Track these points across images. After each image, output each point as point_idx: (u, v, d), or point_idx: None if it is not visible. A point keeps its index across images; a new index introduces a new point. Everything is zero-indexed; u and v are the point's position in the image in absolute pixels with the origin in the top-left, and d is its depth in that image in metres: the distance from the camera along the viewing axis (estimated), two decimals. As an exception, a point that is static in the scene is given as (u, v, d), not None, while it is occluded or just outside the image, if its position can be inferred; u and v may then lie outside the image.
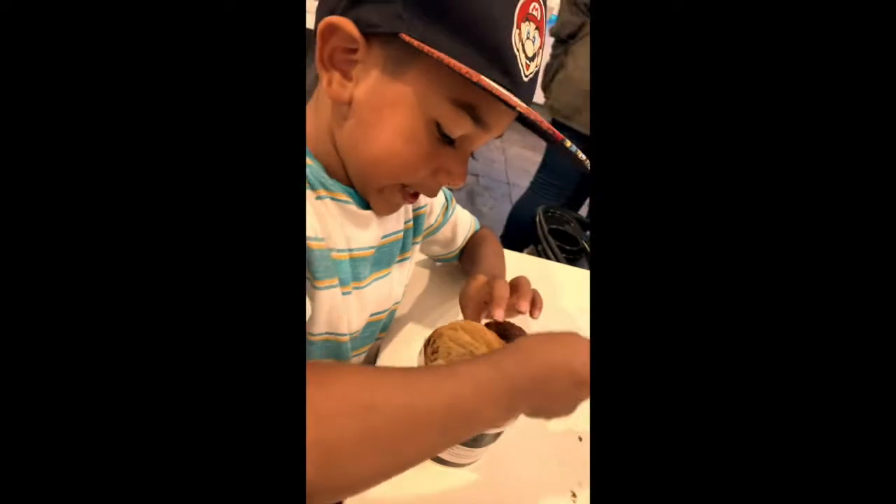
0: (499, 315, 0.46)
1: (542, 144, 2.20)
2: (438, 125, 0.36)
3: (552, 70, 1.48)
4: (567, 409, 0.35)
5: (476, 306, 0.51)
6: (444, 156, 0.39)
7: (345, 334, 0.46)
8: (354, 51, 0.35)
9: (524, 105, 0.34)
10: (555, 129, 0.35)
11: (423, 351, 0.43)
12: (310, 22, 0.35)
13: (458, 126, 0.36)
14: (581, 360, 0.34)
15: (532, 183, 1.65)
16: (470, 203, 2.36)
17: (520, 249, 1.18)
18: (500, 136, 0.40)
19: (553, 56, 1.51)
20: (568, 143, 0.36)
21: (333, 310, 0.43)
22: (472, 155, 0.41)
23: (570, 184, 1.54)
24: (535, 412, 0.35)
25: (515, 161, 2.89)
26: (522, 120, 0.38)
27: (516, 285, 0.51)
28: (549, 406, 0.35)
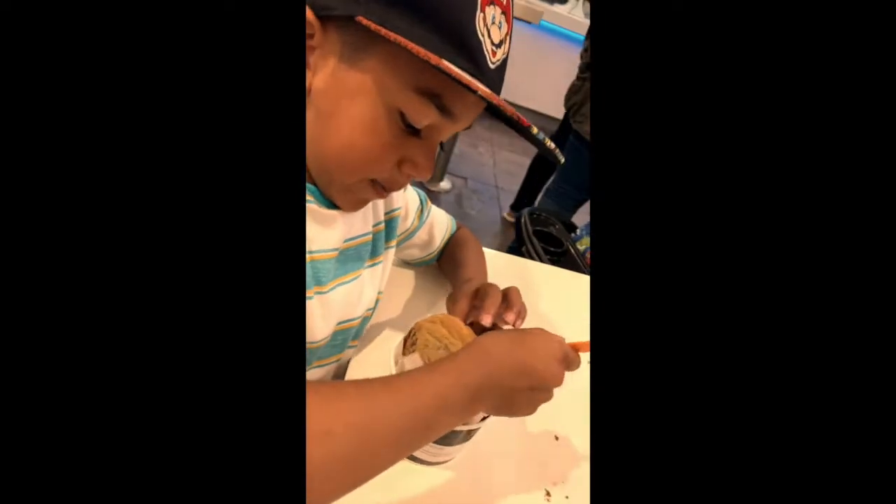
0: (486, 321, 0.46)
1: (531, 149, 2.19)
2: (402, 115, 0.35)
3: (580, 91, 1.50)
4: (526, 408, 0.36)
5: (463, 310, 0.51)
6: (408, 146, 0.37)
7: (311, 342, 0.45)
8: (311, 37, 0.33)
9: (487, 90, 0.31)
10: (521, 116, 0.33)
11: (401, 343, 0.43)
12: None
13: (423, 115, 0.34)
14: (540, 359, 0.34)
15: (546, 189, 1.68)
16: (458, 206, 2.36)
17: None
18: (468, 127, 0.39)
19: (581, 78, 1.54)
20: (535, 130, 0.35)
21: None
22: (441, 147, 0.40)
23: (582, 192, 1.57)
24: (495, 411, 0.35)
25: (504, 165, 2.90)
26: (493, 111, 0.37)
27: (507, 296, 0.51)
28: (508, 406, 0.35)
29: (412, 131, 0.36)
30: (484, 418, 0.41)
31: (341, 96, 0.35)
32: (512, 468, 0.49)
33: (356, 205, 0.44)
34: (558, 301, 0.75)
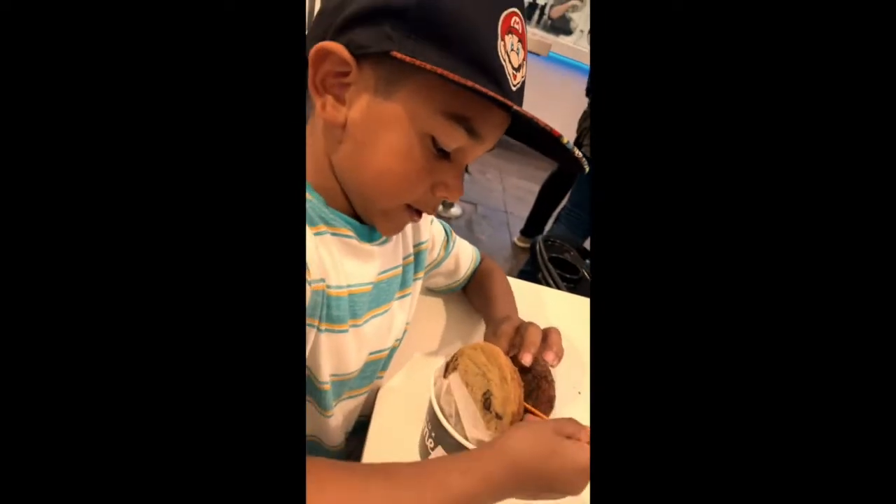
0: (526, 360, 0.47)
1: (540, 175, 2.20)
2: (433, 140, 0.37)
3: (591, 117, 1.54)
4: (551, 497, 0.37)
5: (504, 348, 0.51)
6: (440, 170, 0.39)
7: (345, 374, 0.46)
8: (346, 73, 0.36)
9: (516, 106, 0.35)
10: (552, 127, 0.36)
11: (443, 366, 0.45)
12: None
13: (453, 139, 0.37)
14: (567, 472, 0.35)
15: (558, 215, 1.70)
16: (469, 231, 2.37)
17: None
18: (491, 150, 0.41)
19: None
20: (565, 140, 0.36)
21: (333, 350, 0.43)
22: (466, 169, 0.42)
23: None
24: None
25: (513, 191, 2.93)
26: (514, 132, 0.40)
27: (547, 336, 0.51)
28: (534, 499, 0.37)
29: (442, 155, 0.38)
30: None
31: (377, 127, 0.37)
32: None
33: (395, 230, 0.46)
34: (577, 327, 0.75)
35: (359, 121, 0.37)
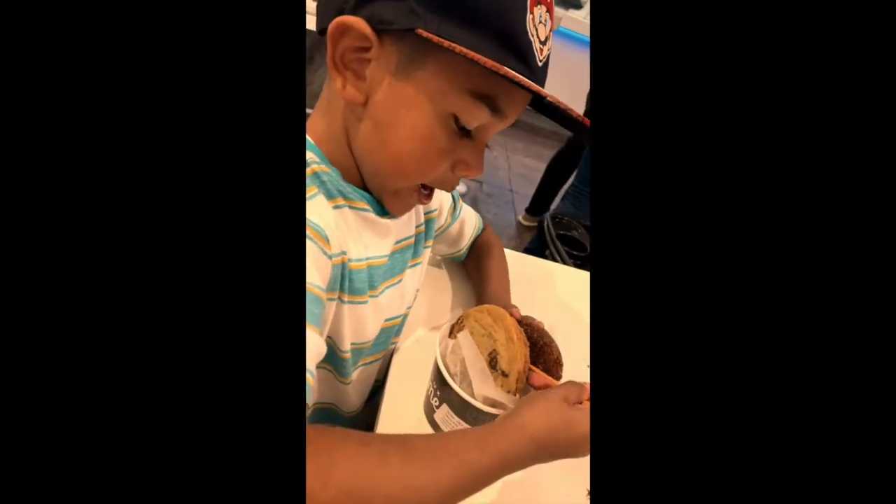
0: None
1: (546, 153, 2.18)
2: (455, 119, 0.36)
3: None
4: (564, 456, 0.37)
5: None
6: (461, 149, 0.38)
7: (363, 342, 0.47)
8: (367, 49, 0.35)
9: (542, 89, 0.33)
10: (572, 109, 0.35)
11: (448, 328, 0.46)
12: (309, 23, 0.35)
13: (476, 117, 0.36)
14: (572, 434, 0.35)
15: (565, 193, 1.69)
16: (474, 209, 2.37)
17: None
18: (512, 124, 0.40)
19: None
20: (584, 119, 0.36)
21: (352, 321, 0.44)
22: (486, 145, 0.41)
23: None
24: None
25: (518, 169, 2.91)
26: (536, 105, 0.39)
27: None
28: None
29: (463, 133, 0.37)
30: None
31: (398, 107, 0.36)
32: (556, 464, 0.49)
33: (403, 210, 0.46)
34: (586, 302, 0.76)
35: (379, 100, 0.36)
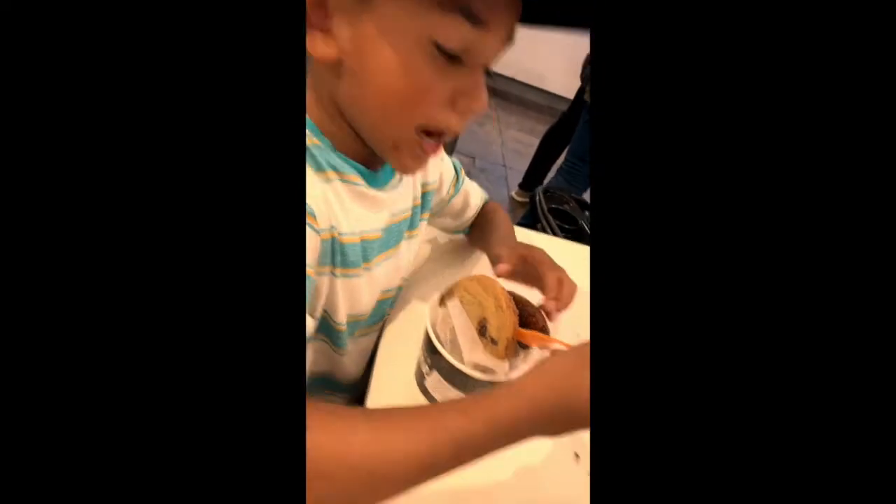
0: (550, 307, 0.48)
1: (539, 128, 2.16)
2: (436, 44, 0.32)
3: None
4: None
5: (511, 261, 0.53)
6: (454, 78, 0.34)
7: (359, 315, 0.47)
8: (321, 4, 0.33)
9: None
10: None
11: (438, 297, 0.47)
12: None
13: (455, 32, 0.32)
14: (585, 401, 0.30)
15: (559, 168, 1.68)
16: (466, 185, 2.36)
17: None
18: (511, 42, 0.35)
19: None
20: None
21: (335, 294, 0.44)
22: (488, 73, 0.37)
23: None
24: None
25: (512, 144, 2.89)
26: (528, 15, 0.34)
27: (567, 287, 0.52)
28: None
29: (452, 60, 0.33)
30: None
31: (368, 48, 0.33)
32: (556, 464, 0.50)
33: (411, 166, 0.41)
34: (576, 273, 0.76)
35: (349, 49, 0.34)
